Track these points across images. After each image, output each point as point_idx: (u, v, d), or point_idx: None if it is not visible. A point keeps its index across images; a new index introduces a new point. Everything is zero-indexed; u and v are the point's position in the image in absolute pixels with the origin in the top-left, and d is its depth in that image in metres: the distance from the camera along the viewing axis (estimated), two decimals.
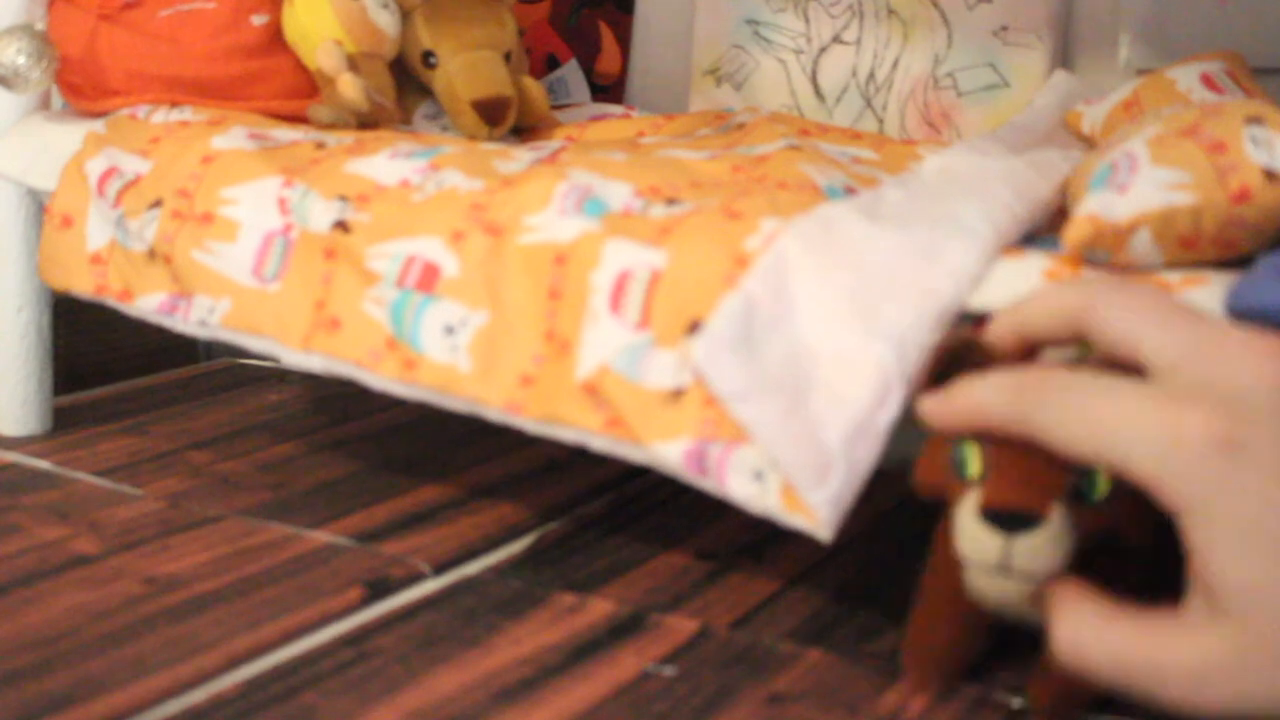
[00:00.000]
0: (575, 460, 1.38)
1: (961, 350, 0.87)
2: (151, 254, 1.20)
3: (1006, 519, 0.83)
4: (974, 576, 0.86)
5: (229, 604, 1.03)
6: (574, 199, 1.03)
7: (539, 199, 1.04)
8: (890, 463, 1.36)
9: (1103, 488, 0.84)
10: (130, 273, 1.22)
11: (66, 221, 1.27)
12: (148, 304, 1.21)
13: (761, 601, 1.07)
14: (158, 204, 1.20)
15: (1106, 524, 0.86)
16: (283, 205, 1.13)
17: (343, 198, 1.11)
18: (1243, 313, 0.83)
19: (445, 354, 1.04)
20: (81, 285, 1.26)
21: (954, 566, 0.89)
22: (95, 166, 1.25)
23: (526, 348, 1.00)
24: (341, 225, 1.10)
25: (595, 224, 1.00)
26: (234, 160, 1.18)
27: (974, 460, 0.86)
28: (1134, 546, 0.88)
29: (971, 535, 0.84)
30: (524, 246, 1.02)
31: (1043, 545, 0.83)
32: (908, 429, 0.99)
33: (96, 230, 1.26)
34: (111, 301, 1.25)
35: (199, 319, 1.17)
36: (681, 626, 1.01)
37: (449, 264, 1.05)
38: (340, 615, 1.02)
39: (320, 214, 1.11)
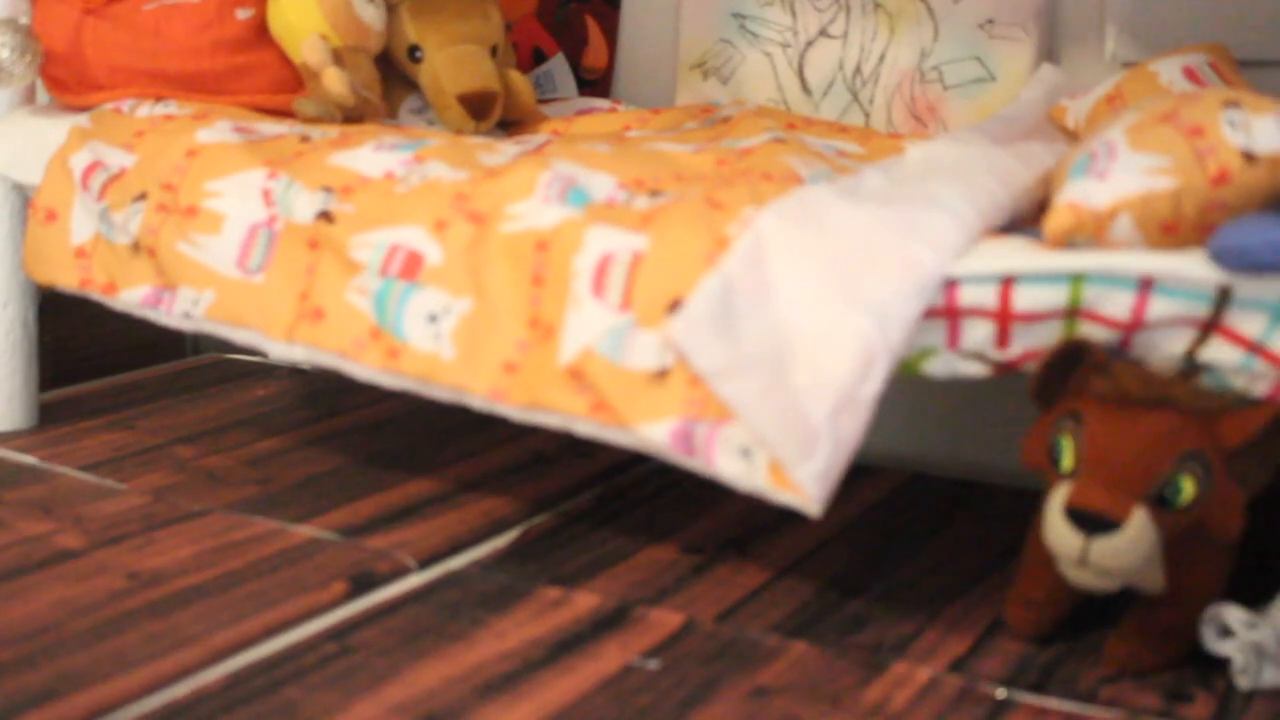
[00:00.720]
0: (561, 454, 1.38)
1: (1076, 351, 0.90)
2: (135, 247, 1.20)
3: (1087, 520, 0.88)
4: (1059, 564, 0.91)
5: (212, 598, 1.02)
6: (557, 188, 1.03)
7: (523, 188, 1.04)
8: (874, 458, 1.36)
9: (1187, 494, 0.88)
10: (114, 266, 1.22)
11: (51, 216, 1.27)
12: (132, 297, 1.21)
13: (746, 595, 1.07)
14: (142, 197, 1.19)
15: (1190, 525, 0.90)
16: (267, 196, 1.13)
17: (327, 188, 1.11)
18: (1222, 253, 0.84)
19: (428, 342, 1.04)
20: (66, 279, 1.26)
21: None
22: (79, 160, 1.25)
23: (510, 334, 1.00)
24: (325, 215, 1.10)
25: (578, 212, 1.00)
26: (218, 153, 1.18)
27: (1068, 454, 0.91)
28: (1222, 542, 0.92)
29: (1056, 530, 0.90)
30: (507, 234, 1.02)
31: (1120, 547, 0.88)
32: (890, 423, 0.99)
33: (80, 224, 1.25)
34: (96, 295, 1.24)
35: (183, 311, 1.17)
36: (666, 620, 1.01)
37: (432, 252, 1.05)
38: (324, 609, 1.01)
39: (304, 205, 1.11)
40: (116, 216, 1.21)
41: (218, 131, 1.20)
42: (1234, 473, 0.89)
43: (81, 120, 1.29)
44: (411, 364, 1.04)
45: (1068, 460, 0.91)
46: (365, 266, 1.06)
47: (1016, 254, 0.90)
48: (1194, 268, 0.86)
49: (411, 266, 1.05)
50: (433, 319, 1.04)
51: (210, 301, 1.15)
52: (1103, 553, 0.87)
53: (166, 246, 1.17)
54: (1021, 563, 1.01)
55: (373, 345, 1.06)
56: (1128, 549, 0.87)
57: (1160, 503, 0.88)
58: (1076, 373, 0.91)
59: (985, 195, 0.96)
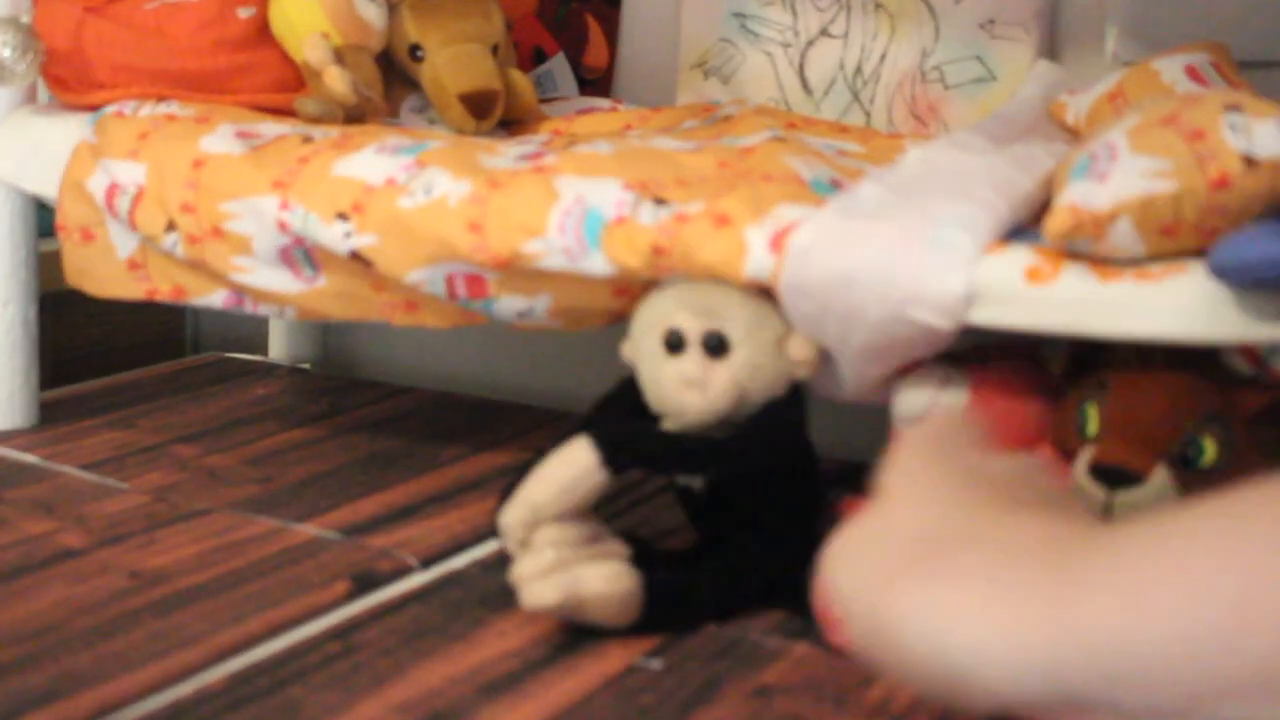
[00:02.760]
0: None
1: None
2: (192, 264, 1.22)
3: (1110, 475, 0.89)
4: None
5: (215, 598, 1.03)
6: (573, 224, 1.04)
7: (535, 221, 1.05)
8: (875, 459, 1.35)
9: (1210, 454, 0.89)
10: (176, 274, 1.25)
11: (87, 236, 1.28)
12: (210, 301, 1.25)
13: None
14: (171, 227, 1.21)
15: (1211, 490, 0.89)
16: (283, 227, 1.15)
17: (341, 216, 1.12)
18: (1223, 267, 0.84)
19: (539, 321, 1.12)
20: (128, 292, 1.28)
21: None
22: (97, 185, 1.25)
23: (604, 306, 1.09)
24: (357, 258, 1.12)
25: (602, 264, 1.04)
26: (224, 167, 1.18)
27: (1093, 420, 0.92)
28: None
29: (1079, 489, 0.90)
30: (533, 269, 1.06)
31: (1142, 502, 0.88)
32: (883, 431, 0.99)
33: (122, 240, 1.26)
34: (167, 301, 1.28)
35: (270, 313, 1.24)
36: None
37: (488, 274, 1.09)
38: (326, 609, 1.01)
39: (330, 240, 1.13)
40: (159, 244, 1.22)
41: (221, 138, 1.21)
42: (1254, 440, 0.90)
43: (86, 133, 1.28)
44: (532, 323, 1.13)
45: (1093, 425, 0.92)
46: (434, 293, 1.11)
47: (1019, 308, 0.92)
48: (1190, 325, 0.86)
49: (477, 288, 1.10)
50: (525, 313, 1.11)
51: (294, 312, 1.21)
52: (1126, 508, 0.88)
53: (220, 273, 1.20)
54: None
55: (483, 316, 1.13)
56: (1149, 505, 0.88)
57: (1183, 463, 0.89)
58: (1107, 349, 0.93)
59: (987, 213, 0.96)
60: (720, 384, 0.99)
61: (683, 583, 0.99)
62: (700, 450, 0.99)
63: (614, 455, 0.96)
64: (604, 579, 0.95)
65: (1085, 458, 0.91)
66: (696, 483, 1.04)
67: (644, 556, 1.00)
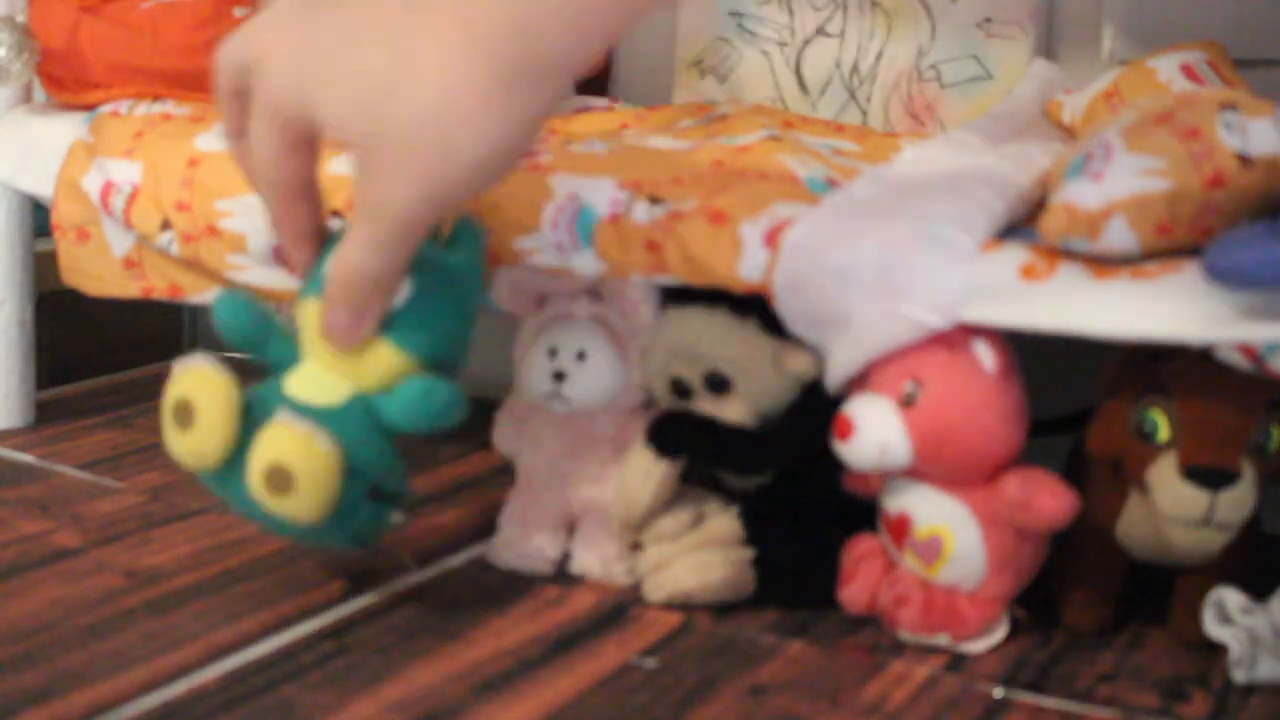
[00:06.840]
0: None
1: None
2: (188, 263, 1.22)
3: (1210, 476, 0.89)
4: (1173, 531, 0.92)
5: (210, 597, 1.03)
6: (565, 221, 1.04)
7: (528, 217, 1.05)
8: None
9: (1277, 438, 0.92)
10: (173, 273, 1.25)
11: (83, 235, 1.28)
12: (207, 299, 1.24)
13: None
14: (166, 226, 1.20)
15: (1274, 471, 0.93)
16: None
17: (335, 213, 1.12)
18: (1218, 271, 0.84)
19: None
20: (124, 291, 1.28)
21: (1105, 521, 0.97)
22: (92, 183, 1.25)
23: None
24: None
25: (595, 264, 1.04)
26: (219, 166, 1.18)
27: (1164, 425, 0.92)
28: None
29: (1175, 494, 0.90)
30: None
31: (1243, 497, 0.90)
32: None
33: (118, 238, 1.26)
34: (164, 299, 1.27)
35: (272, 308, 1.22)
36: (664, 618, 1.01)
37: None
38: (322, 608, 1.01)
39: None
40: (154, 243, 1.22)
41: (216, 137, 1.21)
42: None
43: (82, 132, 1.29)
44: None
45: (1164, 431, 0.92)
46: None
47: (1013, 306, 0.91)
48: (1184, 326, 0.86)
49: None
50: None
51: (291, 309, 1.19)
52: (1229, 505, 0.89)
53: (218, 272, 1.20)
54: (1068, 568, 1.01)
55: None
56: (1247, 498, 0.90)
57: (1258, 450, 0.91)
58: (1158, 360, 0.94)
59: (984, 212, 0.96)
60: (737, 416, 1.02)
61: (796, 557, 1.03)
62: (743, 435, 1.02)
63: (663, 444, 1.01)
64: (695, 571, 1.01)
65: (1171, 463, 0.91)
66: (749, 484, 1.05)
67: (763, 530, 1.03)
